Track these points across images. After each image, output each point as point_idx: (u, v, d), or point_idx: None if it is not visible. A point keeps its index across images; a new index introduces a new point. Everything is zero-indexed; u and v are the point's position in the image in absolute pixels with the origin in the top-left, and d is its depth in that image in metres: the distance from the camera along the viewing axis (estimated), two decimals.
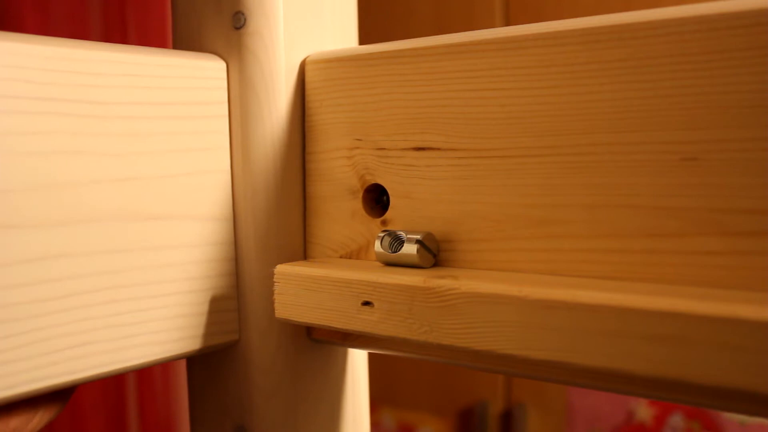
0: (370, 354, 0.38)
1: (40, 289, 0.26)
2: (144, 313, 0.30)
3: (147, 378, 0.99)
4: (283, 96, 0.33)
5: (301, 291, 0.30)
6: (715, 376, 0.20)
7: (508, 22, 1.27)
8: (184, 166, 0.31)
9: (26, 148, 0.26)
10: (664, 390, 0.23)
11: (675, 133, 0.23)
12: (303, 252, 0.34)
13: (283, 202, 0.33)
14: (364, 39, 0.36)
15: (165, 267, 0.30)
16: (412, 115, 0.30)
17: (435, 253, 0.29)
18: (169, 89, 0.30)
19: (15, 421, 0.27)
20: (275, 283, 0.31)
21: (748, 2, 0.22)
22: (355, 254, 0.32)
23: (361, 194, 0.32)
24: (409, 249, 0.28)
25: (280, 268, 0.31)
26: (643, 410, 1.14)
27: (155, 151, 0.30)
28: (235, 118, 0.33)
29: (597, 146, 0.25)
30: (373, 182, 0.31)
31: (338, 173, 0.32)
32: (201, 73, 0.32)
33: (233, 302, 0.33)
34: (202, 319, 0.32)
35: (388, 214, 0.31)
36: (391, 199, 0.31)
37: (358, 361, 0.38)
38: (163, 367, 0.99)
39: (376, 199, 0.32)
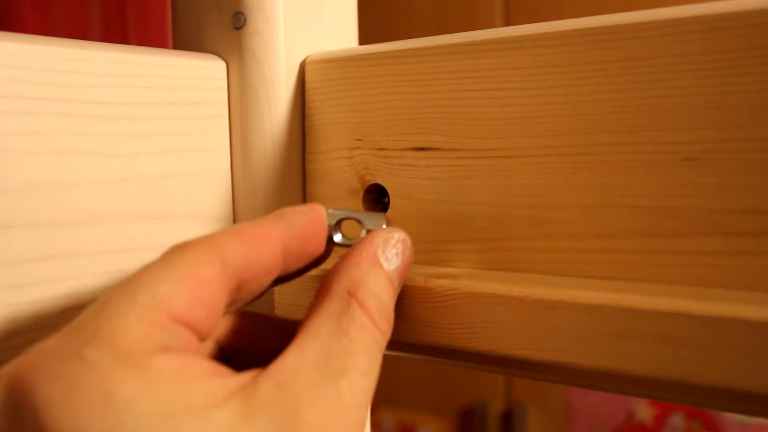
0: None
1: (40, 289, 0.26)
2: None
3: None
4: (283, 96, 0.33)
5: (301, 291, 0.30)
6: (715, 376, 0.20)
7: (508, 22, 1.27)
8: (185, 166, 0.31)
9: (26, 148, 0.26)
10: (664, 390, 0.23)
11: (675, 133, 0.23)
12: None
13: (283, 203, 0.33)
14: (364, 39, 0.36)
15: None
16: (412, 115, 0.29)
17: None
18: (169, 89, 0.30)
19: None
20: None
21: (748, 2, 0.22)
22: None
23: (361, 194, 0.32)
24: None
25: None
26: (643, 410, 1.14)
27: (155, 151, 0.30)
28: (235, 118, 0.33)
29: (597, 146, 0.25)
30: (373, 182, 0.31)
31: (338, 173, 0.32)
32: (201, 73, 0.32)
33: None
34: None
35: (389, 215, 0.31)
36: (392, 199, 0.31)
37: None
38: None
39: (377, 199, 0.32)
